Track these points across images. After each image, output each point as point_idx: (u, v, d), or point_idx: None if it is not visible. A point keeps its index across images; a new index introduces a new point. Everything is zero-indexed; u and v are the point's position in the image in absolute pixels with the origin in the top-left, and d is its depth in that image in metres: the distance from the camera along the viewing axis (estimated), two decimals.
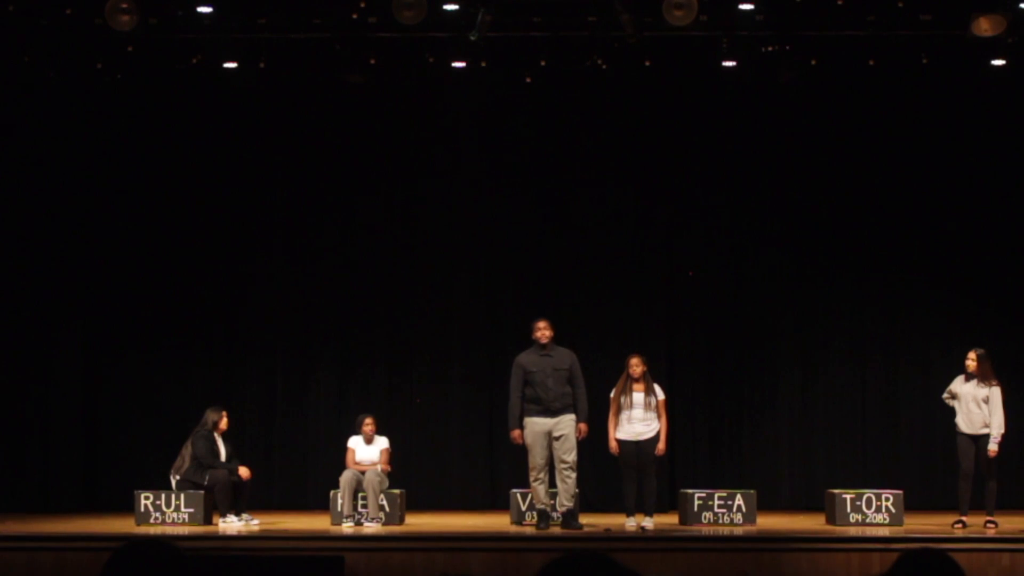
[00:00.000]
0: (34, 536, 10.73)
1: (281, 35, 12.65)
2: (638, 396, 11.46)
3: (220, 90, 13.77)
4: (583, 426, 11.23)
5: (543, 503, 11.18)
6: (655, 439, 11.44)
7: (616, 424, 11.47)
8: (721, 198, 14.30)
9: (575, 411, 11.19)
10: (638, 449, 11.41)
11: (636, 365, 11.52)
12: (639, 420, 11.44)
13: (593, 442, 11.76)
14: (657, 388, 11.59)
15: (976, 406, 11.29)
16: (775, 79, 13.04)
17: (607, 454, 11.65)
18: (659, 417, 11.50)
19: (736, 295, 14.22)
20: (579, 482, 11.31)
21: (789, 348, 14.22)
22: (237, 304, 14.40)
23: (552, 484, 11.28)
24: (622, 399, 11.45)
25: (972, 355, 11.41)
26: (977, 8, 11.82)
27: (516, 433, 11.21)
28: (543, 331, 11.32)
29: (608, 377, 11.88)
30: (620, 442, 11.44)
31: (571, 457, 11.14)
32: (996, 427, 11.24)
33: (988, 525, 11.04)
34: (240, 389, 14.23)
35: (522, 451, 11.45)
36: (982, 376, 11.34)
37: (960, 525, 11.17)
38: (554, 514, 11.35)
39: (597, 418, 11.53)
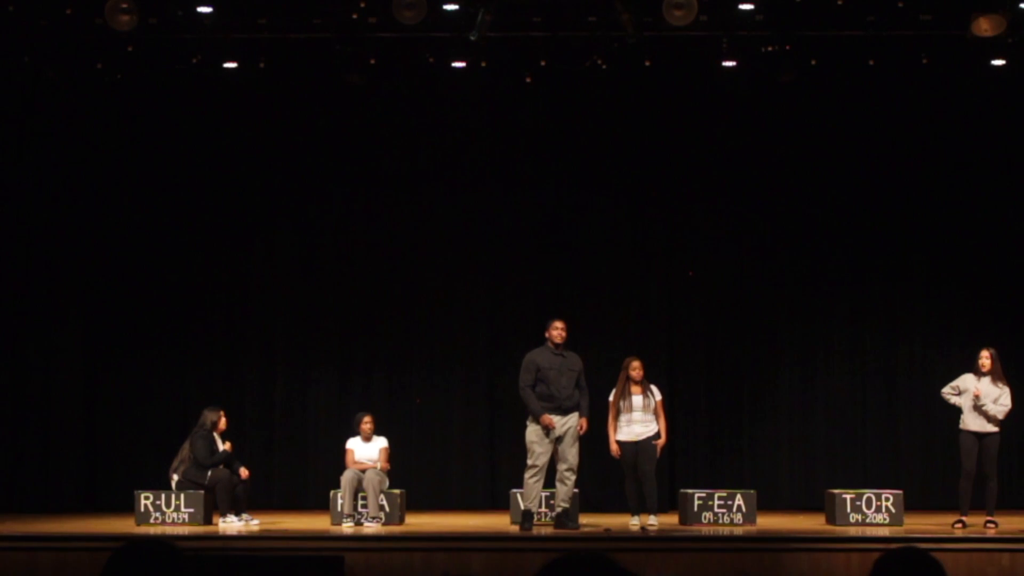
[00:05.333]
0: (34, 536, 10.71)
1: (281, 35, 12.64)
2: (637, 399, 11.48)
3: (220, 90, 13.77)
4: (584, 421, 11.18)
5: (530, 503, 11.09)
6: (652, 438, 11.48)
7: (616, 427, 11.50)
8: (721, 198, 14.30)
9: (579, 409, 11.17)
10: (637, 449, 11.44)
11: (638, 368, 11.54)
12: (638, 422, 11.49)
13: (593, 442, 11.74)
14: (654, 389, 11.61)
15: (989, 403, 11.30)
16: (775, 79, 13.04)
17: (607, 455, 11.65)
18: (659, 418, 11.54)
19: (736, 295, 14.22)
20: (578, 482, 11.30)
21: (789, 348, 14.22)
22: (237, 304, 14.41)
23: (547, 485, 11.28)
24: (621, 403, 11.47)
25: (986, 354, 11.42)
26: (977, 8, 11.82)
27: (547, 418, 11.01)
28: (560, 331, 11.22)
29: (608, 377, 11.87)
30: (620, 443, 11.47)
31: (574, 459, 11.12)
32: (1005, 404, 11.25)
33: (988, 525, 11.04)
34: (240, 389, 14.23)
35: (523, 450, 11.41)
36: (995, 375, 11.36)
37: (960, 525, 11.16)
38: (542, 510, 11.43)
39: (596, 418, 11.51)
